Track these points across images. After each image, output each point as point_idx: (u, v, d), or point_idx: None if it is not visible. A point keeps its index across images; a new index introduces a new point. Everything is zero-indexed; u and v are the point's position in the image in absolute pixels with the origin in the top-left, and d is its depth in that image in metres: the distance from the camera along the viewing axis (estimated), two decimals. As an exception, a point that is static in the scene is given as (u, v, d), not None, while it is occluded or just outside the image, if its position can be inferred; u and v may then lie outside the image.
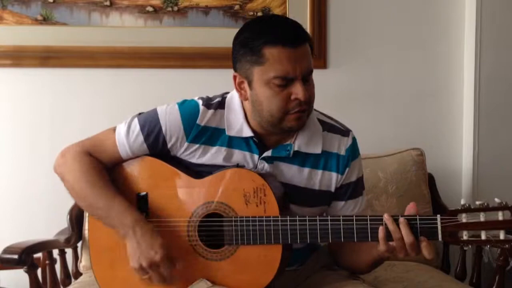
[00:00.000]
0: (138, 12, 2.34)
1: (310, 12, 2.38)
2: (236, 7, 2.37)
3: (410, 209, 1.38)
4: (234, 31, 2.31)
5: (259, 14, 2.36)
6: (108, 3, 2.33)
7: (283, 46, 1.37)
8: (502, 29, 2.41)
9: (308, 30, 2.36)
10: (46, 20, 2.31)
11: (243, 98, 1.48)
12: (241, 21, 2.36)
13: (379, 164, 2.23)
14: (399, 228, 1.33)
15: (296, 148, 1.49)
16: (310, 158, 1.51)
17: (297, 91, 1.40)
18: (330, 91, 2.41)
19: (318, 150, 1.51)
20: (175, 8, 2.35)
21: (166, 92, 2.34)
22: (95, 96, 2.36)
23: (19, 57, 2.31)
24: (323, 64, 2.41)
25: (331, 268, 1.62)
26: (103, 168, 1.50)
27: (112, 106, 2.34)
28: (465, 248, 1.35)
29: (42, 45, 2.30)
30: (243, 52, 1.43)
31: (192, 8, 2.36)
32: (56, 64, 2.32)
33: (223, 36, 2.35)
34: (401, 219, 1.33)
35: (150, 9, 2.34)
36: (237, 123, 1.49)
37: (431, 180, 2.30)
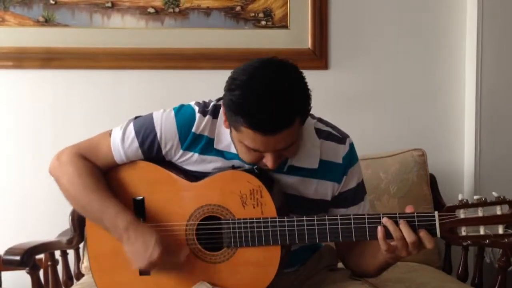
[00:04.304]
0: (139, 13, 2.34)
1: (312, 13, 2.37)
2: (238, 8, 2.37)
3: (407, 210, 1.37)
4: (236, 32, 2.38)
5: (260, 15, 2.36)
6: (109, 4, 2.33)
7: (259, 133, 1.30)
8: (503, 29, 2.40)
9: (310, 31, 2.38)
10: (47, 22, 2.32)
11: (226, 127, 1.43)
12: (243, 22, 2.36)
13: (380, 164, 2.23)
14: (399, 228, 1.33)
15: (290, 163, 1.46)
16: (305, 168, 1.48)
17: (267, 160, 1.36)
18: (331, 92, 2.41)
19: (314, 165, 1.47)
20: (177, 10, 2.35)
21: (167, 93, 2.34)
22: (96, 97, 2.36)
23: (21, 58, 2.31)
24: (325, 65, 2.40)
25: (332, 269, 1.62)
26: (98, 171, 1.49)
27: (114, 107, 2.34)
28: (464, 244, 1.33)
29: (43, 46, 2.31)
30: (225, 109, 1.35)
31: (193, 9, 2.36)
32: (57, 65, 2.33)
33: (224, 37, 2.36)
34: (401, 220, 1.33)
35: (151, 10, 2.35)
36: (226, 138, 1.45)
37: (432, 181, 2.30)
